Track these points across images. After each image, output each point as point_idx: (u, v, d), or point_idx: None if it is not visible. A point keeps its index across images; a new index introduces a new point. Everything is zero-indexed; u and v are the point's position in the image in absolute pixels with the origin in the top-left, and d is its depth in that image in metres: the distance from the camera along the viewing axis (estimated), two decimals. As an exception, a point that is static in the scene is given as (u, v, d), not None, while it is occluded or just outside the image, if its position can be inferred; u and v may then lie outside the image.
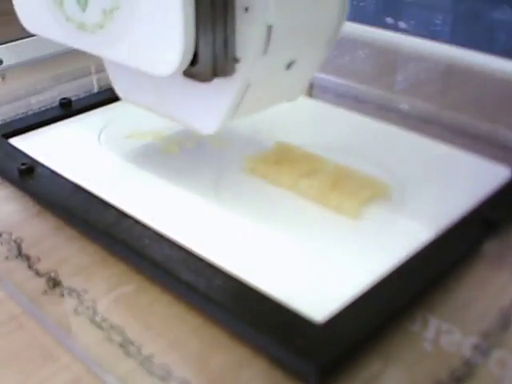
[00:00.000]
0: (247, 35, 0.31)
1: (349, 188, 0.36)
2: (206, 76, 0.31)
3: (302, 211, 0.35)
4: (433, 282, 0.30)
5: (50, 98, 0.50)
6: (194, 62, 0.31)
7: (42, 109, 0.48)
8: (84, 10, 0.33)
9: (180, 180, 0.38)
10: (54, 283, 0.31)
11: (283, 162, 0.38)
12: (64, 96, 0.48)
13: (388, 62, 0.60)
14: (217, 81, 0.31)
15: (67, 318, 0.29)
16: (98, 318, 0.29)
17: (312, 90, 0.55)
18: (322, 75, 0.55)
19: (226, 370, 0.26)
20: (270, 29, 0.31)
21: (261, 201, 0.36)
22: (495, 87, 0.53)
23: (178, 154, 0.41)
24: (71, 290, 0.31)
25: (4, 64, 0.56)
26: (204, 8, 0.29)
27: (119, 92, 0.40)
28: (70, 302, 0.30)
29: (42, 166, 0.39)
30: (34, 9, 0.37)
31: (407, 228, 0.34)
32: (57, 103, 0.47)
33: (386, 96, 0.50)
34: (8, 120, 0.47)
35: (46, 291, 0.31)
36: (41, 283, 0.31)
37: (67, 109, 0.47)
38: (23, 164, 0.38)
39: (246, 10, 0.30)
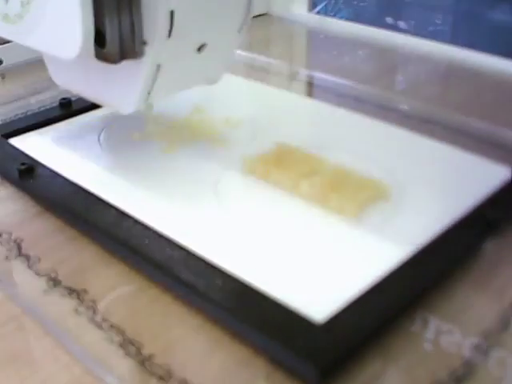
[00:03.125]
0: (152, 20, 0.33)
1: (349, 188, 0.36)
2: (114, 58, 0.34)
3: (302, 212, 0.35)
4: (433, 282, 0.30)
5: (50, 98, 0.50)
6: (103, 44, 0.33)
7: (42, 109, 0.48)
8: (6, 1, 0.36)
9: (180, 180, 0.38)
10: (54, 283, 0.31)
11: (283, 163, 0.38)
12: (64, 96, 0.48)
13: (388, 62, 0.60)
14: (128, 63, 0.34)
15: (67, 318, 0.29)
16: (97, 318, 0.29)
17: (312, 90, 0.55)
18: (322, 75, 0.55)
19: (226, 370, 0.26)
20: (172, 13, 0.33)
21: (261, 201, 0.36)
22: (495, 87, 0.53)
23: (177, 154, 0.41)
24: (71, 290, 0.31)
25: (4, 64, 0.56)
26: None
27: (55, 79, 0.42)
28: (69, 302, 0.30)
29: (42, 166, 0.39)
30: None
31: (407, 228, 0.34)
32: (57, 103, 0.47)
33: (386, 96, 0.50)
34: (8, 120, 0.47)
35: (45, 291, 0.31)
36: (41, 283, 0.31)
37: (67, 109, 0.47)
38: (23, 164, 0.38)
39: None
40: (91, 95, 0.41)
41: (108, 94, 0.39)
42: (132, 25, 0.33)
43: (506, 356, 0.27)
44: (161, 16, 0.33)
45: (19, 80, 0.55)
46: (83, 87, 0.40)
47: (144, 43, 0.34)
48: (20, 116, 0.48)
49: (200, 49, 0.37)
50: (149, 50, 0.34)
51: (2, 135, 0.43)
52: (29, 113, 0.48)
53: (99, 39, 0.33)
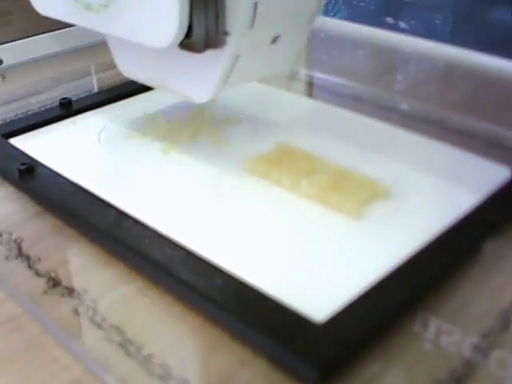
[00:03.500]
0: (235, 11, 0.34)
1: (349, 188, 0.36)
2: (199, 47, 0.34)
3: (302, 211, 0.35)
4: (433, 282, 0.30)
5: (50, 98, 0.50)
6: (188, 34, 0.34)
7: (42, 109, 0.48)
8: None
9: (180, 180, 0.38)
10: (54, 283, 0.31)
11: (284, 162, 0.38)
12: (64, 96, 0.48)
13: (388, 62, 0.60)
14: (209, 52, 0.35)
15: (67, 318, 0.29)
16: (97, 318, 0.29)
17: (312, 90, 0.55)
18: (322, 75, 0.55)
19: (226, 369, 0.26)
20: (255, 5, 0.34)
21: (261, 201, 0.36)
22: (495, 87, 0.53)
23: (177, 154, 0.41)
24: (71, 290, 0.31)
25: (4, 64, 0.56)
26: None
27: (121, 68, 0.43)
28: (69, 302, 0.30)
29: (42, 165, 0.39)
30: None
31: (407, 228, 0.34)
32: (57, 103, 0.47)
33: (386, 96, 0.50)
34: (8, 120, 0.47)
35: (45, 291, 0.31)
36: (41, 283, 0.31)
37: (67, 109, 0.47)
38: (23, 164, 0.38)
39: None
40: (162, 84, 0.41)
41: (183, 83, 0.39)
42: (217, 15, 0.34)
43: (506, 356, 0.27)
44: (244, 7, 0.34)
45: (19, 80, 0.55)
46: (153, 76, 0.41)
47: (226, 33, 0.35)
48: (20, 116, 0.48)
49: (274, 40, 0.38)
50: (230, 41, 0.35)
51: (2, 135, 0.43)
52: (29, 113, 0.48)
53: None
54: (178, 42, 0.34)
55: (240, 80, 0.40)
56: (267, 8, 0.35)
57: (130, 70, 0.42)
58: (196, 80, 0.38)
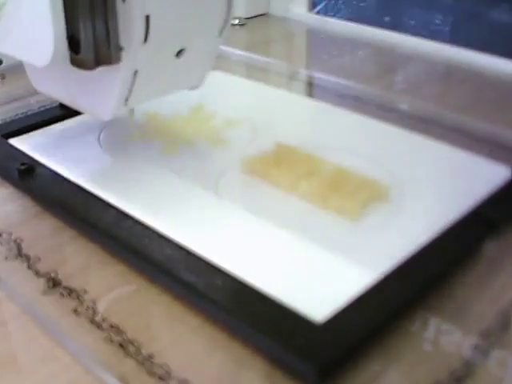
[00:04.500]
0: (128, 25, 0.33)
1: (348, 188, 0.36)
2: (89, 64, 0.33)
3: (301, 212, 0.35)
4: (433, 282, 0.30)
5: (50, 98, 0.50)
6: (78, 50, 0.33)
7: (42, 109, 0.48)
8: None
9: (180, 180, 0.38)
10: (54, 283, 0.31)
11: (283, 163, 0.38)
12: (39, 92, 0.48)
13: (388, 61, 0.60)
14: (105, 69, 0.34)
15: (67, 318, 0.29)
16: (97, 318, 0.29)
17: (312, 90, 0.55)
18: (322, 75, 0.55)
19: (226, 369, 0.26)
20: (148, 18, 0.33)
21: (260, 201, 0.36)
22: (495, 87, 0.53)
23: (177, 154, 0.41)
24: (71, 290, 0.31)
25: (4, 64, 0.56)
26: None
27: (34, 84, 0.42)
28: (69, 302, 0.30)
29: (42, 166, 0.39)
30: None
31: (407, 228, 0.34)
32: (57, 103, 0.47)
33: (386, 96, 0.50)
34: (8, 120, 0.47)
35: (45, 291, 0.31)
36: (41, 283, 0.31)
37: (67, 109, 0.47)
38: (23, 164, 0.38)
39: (124, 0, 0.32)
40: (70, 102, 0.40)
41: (86, 101, 0.38)
42: (107, 30, 0.32)
43: (506, 356, 0.27)
44: (137, 21, 0.33)
45: (19, 80, 0.55)
46: (62, 94, 0.40)
47: (120, 49, 0.33)
48: (20, 116, 0.48)
49: (179, 54, 0.37)
50: (125, 56, 0.34)
51: (2, 135, 0.43)
52: (29, 113, 0.48)
53: (74, 45, 0.33)
54: (64, 58, 0.33)
55: (144, 96, 0.38)
56: (163, 20, 0.34)
57: (43, 86, 0.41)
58: (96, 98, 0.37)
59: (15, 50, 0.35)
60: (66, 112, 0.46)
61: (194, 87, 0.41)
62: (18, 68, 0.56)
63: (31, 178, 0.38)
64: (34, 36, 0.33)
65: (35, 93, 0.50)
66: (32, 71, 0.41)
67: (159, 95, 0.40)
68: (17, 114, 0.48)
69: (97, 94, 0.37)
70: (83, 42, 0.32)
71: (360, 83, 0.53)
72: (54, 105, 0.48)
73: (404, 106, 0.48)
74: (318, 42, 0.68)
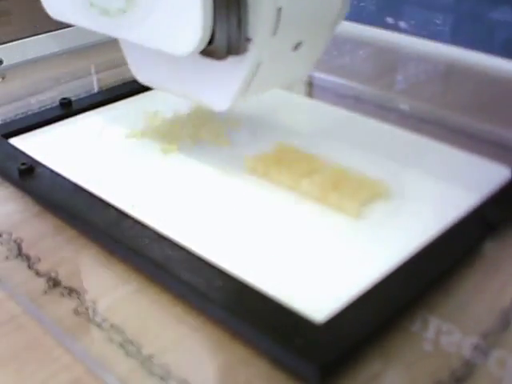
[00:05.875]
0: (258, 17, 0.33)
1: (349, 188, 0.36)
2: (221, 54, 0.33)
3: (302, 211, 0.35)
4: (433, 282, 0.30)
5: (50, 98, 0.50)
6: (210, 41, 0.33)
7: (42, 109, 0.48)
8: None
9: (180, 180, 0.38)
10: (54, 283, 0.31)
11: (284, 162, 0.38)
12: (64, 96, 0.48)
13: (388, 61, 0.60)
14: (230, 59, 0.34)
15: (67, 318, 0.29)
16: (97, 318, 0.29)
17: (312, 90, 0.55)
18: (322, 75, 0.55)
19: (226, 369, 0.26)
20: (279, 11, 0.33)
21: (261, 201, 0.36)
22: (495, 87, 0.53)
23: (177, 154, 0.41)
24: (71, 290, 0.31)
25: (4, 64, 0.56)
26: None
27: (136, 74, 0.41)
28: (69, 302, 0.30)
29: (42, 165, 0.39)
30: None
31: (407, 228, 0.34)
32: (57, 103, 0.47)
33: (386, 96, 0.50)
34: (8, 120, 0.47)
35: (45, 291, 0.31)
36: (41, 283, 0.31)
37: (67, 109, 0.47)
38: (23, 164, 0.38)
39: None
40: (181, 91, 0.40)
41: (203, 91, 0.38)
42: (239, 21, 0.33)
43: (506, 356, 0.27)
44: (268, 13, 0.33)
45: (19, 80, 0.55)
46: (171, 83, 0.40)
47: (249, 40, 0.33)
48: (20, 116, 0.48)
49: (297, 47, 0.37)
50: (253, 48, 0.34)
51: (2, 135, 0.43)
52: (29, 113, 0.48)
53: None
54: (201, 49, 0.33)
55: (261, 88, 0.38)
56: (291, 13, 0.34)
57: (146, 76, 0.41)
58: (216, 87, 0.37)
59: (149, 40, 0.35)
60: (66, 112, 0.47)
61: (299, 80, 0.41)
62: (18, 68, 0.57)
63: (31, 178, 0.38)
64: (178, 25, 0.33)
65: (35, 93, 0.50)
66: (136, 62, 0.41)
67: (273, 87, 0.41)
68: (17, 114, 0.48)
69: (217, 84, 0.37)
70: (218, 32, 0.32)
71: (360, 83, 0.53)
72: (54, 105, 0.48)
73: (404, 106, 0.48)
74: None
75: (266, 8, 0.33)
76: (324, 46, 0.40)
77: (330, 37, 0.39)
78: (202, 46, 0.33)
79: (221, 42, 0.33)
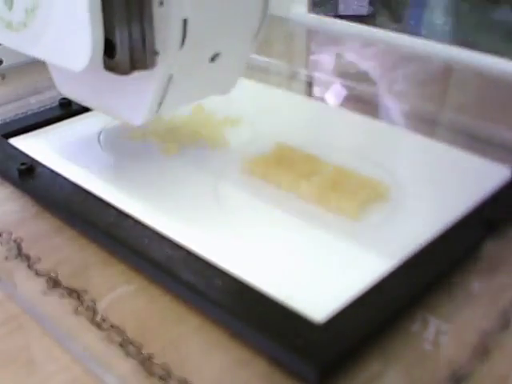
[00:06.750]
0: (164, 29, 0.32)
1: (349, 188, 0.36)
2: (124, 69, 0.32)
3: (301, 212, 0.35)
4: (433, 282, 0.30)
5: (50, 98, 0.50)
6: (112, 55, 0.32)
7: (42, 109, 0.48)
8: (10, 8, 0.35)
9: (180, 180, 0.38)
10: (54, 283, 0.31)
11: (283, 163, 0.38)
12: (64, 96, 0.48)
13: (388, 61, 0.60)
14: (140, 74, 0.33)
15: (67, 318, 0.29)
16: (97, 318, 0.29)
17: (312, 90, 0.55)
18: (322, 75, 0.55)
19: (226, 369, 0.26)
20: (185, 22, 0.32)
21: (260, 201, 0.36)
22: (495, 87, 0.53)
23: (177, 154, 0.41)
24: (71, 290, 0.31)
25: (4, 64, 0.56)
26: (118, 2, 0.30)
27: (58, 87, 0.41)
28: (69, 302, 0.30)
29: (42, 166, 0.39)
30: None
31: (407, 228, 0.34)
32: (57, 103, 0.47)
33: (387, 96, 0.50)
34: (8, 120, 0.47)
35: (45, 291, 0.31)
36: (41, 283, 0.31)
37: (67, 109, 0.47)
38: (23, 164, 0.38)
39: (161, 3, 0.31)
40: (99, 106, 0.39)
41: (117, 106, 0.37)
42: (143, 34, 0.32)
43: (506, 356, 0.27)
44: (174, 25, 0.32)
45: (19, 80, 0.55)
46: (90, 98, 0.39)
47: (156, 53, 0.32)
48: (20, 116, 0.48)
49: (213, 58, 0.36)
50: (160, 61, 0.33)
51: (2, 135, 0.43)
52: (29, 113, 0.48)
53: (109, 49, 0.32)
54: (97, 63, 0.32)
55: (179, 101, 0.38)
56: (200, 24, 0.33)
57: (67, 89, 0.40)
58: (129, 103, 0.36)
59: (48, 55, 0.34)
60: (66, 112, 0.47)
61: (225, 92, 0.40)
62: (18, 68, 0.57)
63: (31, 178, 0.38)
64: (70, 40, 0.32)
65: (35, 93, 0.50)
66: (58, 76, 0.40)
67: (192, 101, 0.40)
68: (17, 114, 0.48)
69: (129, 98, 0.36)
70: (119, 45, 0.32)
71: (360, 83, 0.53)
72: (54, 105, 0.48)
73: (404, 106, 0.48)
74: (318, 42, 0.68)
75: (171, 20, 0.32)
76: (247, 55, 0.39)
77: (252, 47, 0.39)
78: (98, 61, 0.32)
79: (123, 56, 0.32)
